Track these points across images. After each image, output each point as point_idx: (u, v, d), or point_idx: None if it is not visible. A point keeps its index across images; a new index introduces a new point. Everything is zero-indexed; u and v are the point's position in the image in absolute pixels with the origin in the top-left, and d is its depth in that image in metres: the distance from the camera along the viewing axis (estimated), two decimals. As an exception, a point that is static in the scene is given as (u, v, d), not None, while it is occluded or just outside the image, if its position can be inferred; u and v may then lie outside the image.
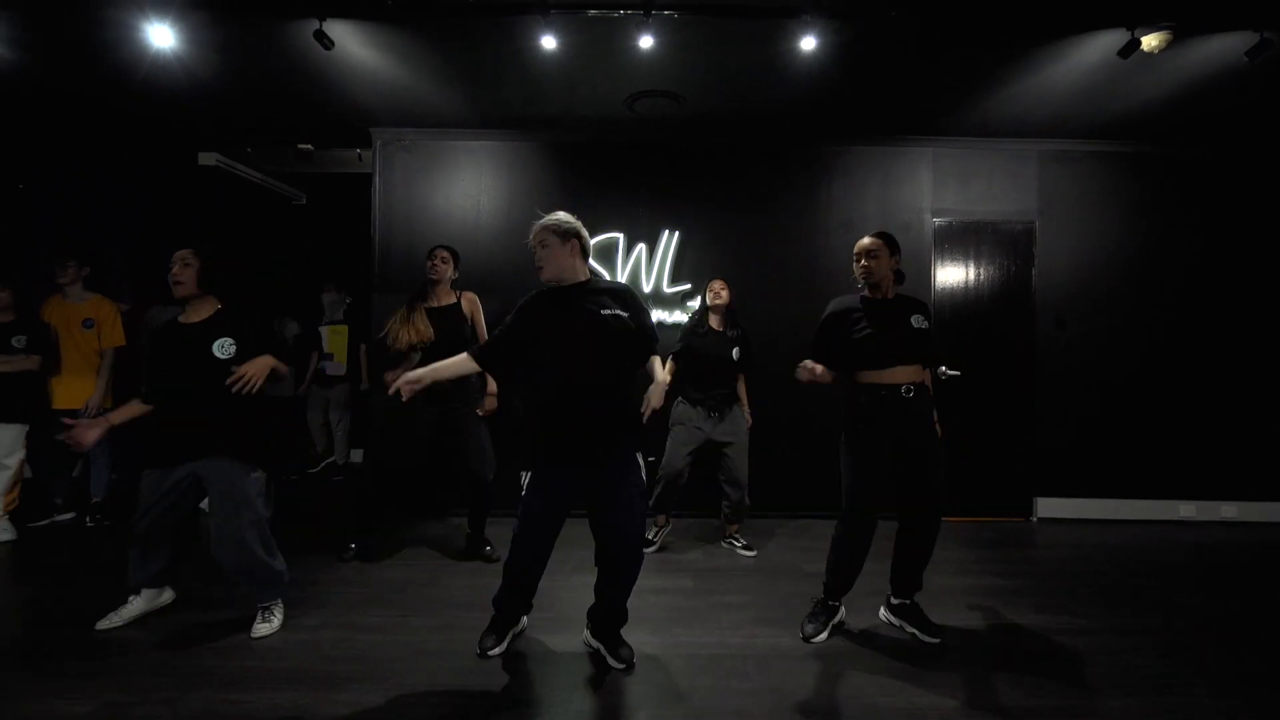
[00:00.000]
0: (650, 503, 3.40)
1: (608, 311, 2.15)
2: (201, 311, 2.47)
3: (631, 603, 2.36)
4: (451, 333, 3.20)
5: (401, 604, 2.82)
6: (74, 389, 3.84)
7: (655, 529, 3.63)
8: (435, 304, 3.27)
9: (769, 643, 2.50)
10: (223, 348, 2.39)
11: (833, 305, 2.60)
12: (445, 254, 3.31)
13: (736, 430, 3.52)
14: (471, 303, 3.39)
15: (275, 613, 2.56)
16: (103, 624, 2.48)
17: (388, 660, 2.31)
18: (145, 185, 5.16)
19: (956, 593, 3.01)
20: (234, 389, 2.35)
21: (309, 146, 4.83)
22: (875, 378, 2.46)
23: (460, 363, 2.24)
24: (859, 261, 2.54)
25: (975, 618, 2.77)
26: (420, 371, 2.16)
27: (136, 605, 2.56)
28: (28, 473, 3.87)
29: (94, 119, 4.21)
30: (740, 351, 3.52)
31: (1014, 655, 2.45)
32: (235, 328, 2.44)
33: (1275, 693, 2.19)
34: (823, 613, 2.59)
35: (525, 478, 2.12)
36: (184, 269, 2.40)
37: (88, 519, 3.92)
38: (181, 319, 2.48)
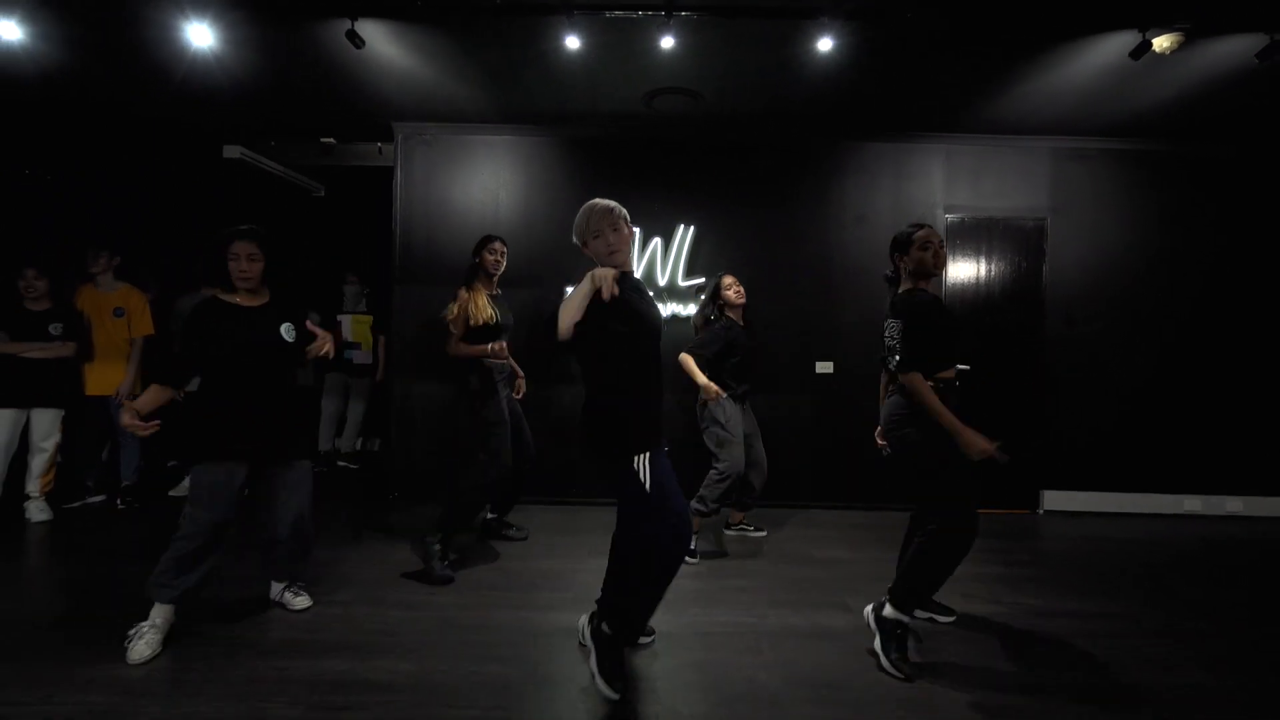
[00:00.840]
0: (713, 502, 3.31)
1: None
2: (259, 297, 2.48)
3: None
4: (510, 320, 3.29)
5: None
6: (105, 376, 3.97)
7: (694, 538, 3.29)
8: (492, 292, 3.28)
9: (780, 622, 2.60)
10: (289, 332, 2.45)
11: (921, 296, 2.35)
12: (505, 247, 3.29)
13: (756, 421, 3.64)
14: None
15: (305, 589, 2.68)
16: (137, 655, 2.18)
17: (418, 633, 2.43)
18: (171, 177, 5.29)
19: (961, 579, 3.05)
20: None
21: (331, 140, 4.93)
22: (952, 372, 2.36)
23: (574, 312, 1.90)
24: (936, 250, 2.35)
25: (979, 603, 2.86)
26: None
27: (160, 622, 2.30)
28: (61, 456, 4.00)
29: (125, 114, 4.31)
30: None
31: (1017, 636, 2.54)
32: (291, 313, 2.51)
33: (1274, 674, 2.27)
34: (905, 634, 2.32)
35: (642, 468, 1.96)
36: (252, 264, 2.40)
37: (118, 501, 4.05)
38: (232, 301, 2.42)
